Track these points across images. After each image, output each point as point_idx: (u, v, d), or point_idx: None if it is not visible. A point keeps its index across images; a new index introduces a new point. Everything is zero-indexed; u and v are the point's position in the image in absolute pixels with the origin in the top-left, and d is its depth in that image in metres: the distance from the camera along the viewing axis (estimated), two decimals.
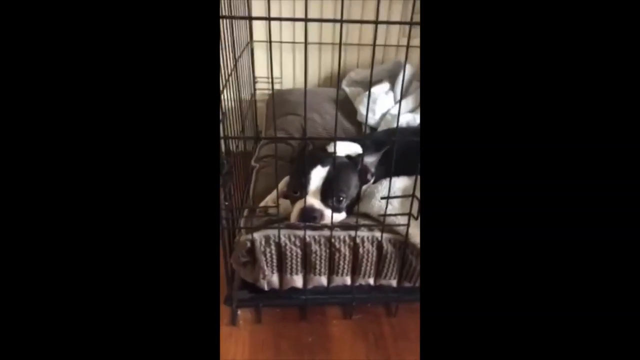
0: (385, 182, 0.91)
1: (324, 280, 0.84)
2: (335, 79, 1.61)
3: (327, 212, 0.82)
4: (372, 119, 1.34)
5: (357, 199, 0.90)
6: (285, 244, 0.78)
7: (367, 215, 0.85)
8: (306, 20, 0.57)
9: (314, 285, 0.84)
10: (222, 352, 0.83)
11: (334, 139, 0.94)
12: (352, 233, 0.79)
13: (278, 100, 1.47)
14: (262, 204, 0.94)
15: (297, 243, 0.79)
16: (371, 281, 0.85)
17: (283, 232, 0.78)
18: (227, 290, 0.89)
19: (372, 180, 0.93)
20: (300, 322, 0.90)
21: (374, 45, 0.68)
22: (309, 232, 0.78)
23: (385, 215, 0.79)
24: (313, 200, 0.82)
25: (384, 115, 1.34)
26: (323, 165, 0.85)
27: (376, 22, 0.61)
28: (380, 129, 1.32)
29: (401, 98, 1.37)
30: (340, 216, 0.85)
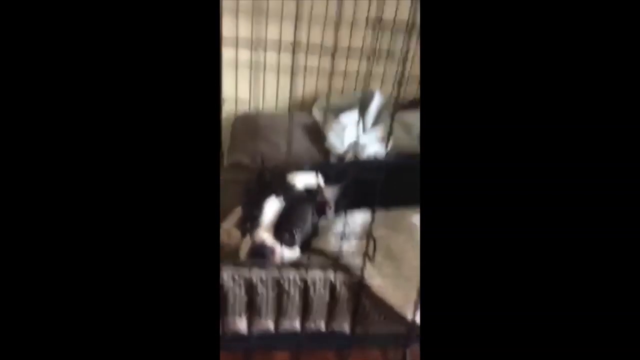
0: (343, 216, 0.86)
1: (270, 325, 0.76)
2: (307, 104, 1.58)
3: (279, 249, 0.76)
4: (341, 148, 1.30)
5: (313, 234, 0.84)
6: (226, 284, 0.71)
7: (320, 252, 0.79)
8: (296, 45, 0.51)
9: (258, 329, 0.77)
10: None
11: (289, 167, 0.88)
12: (303, 273, 0.72)
13: (246, 122, 1.42)
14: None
15: (242, 284, 0.72)
16: (322, 325, 0.78)
17: (227, 270, 0.71)
18: None
19: (331, 215, 0.88)
20: None
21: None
22: (256, 272, 0.71)
23: (340, 255, 0.73)
24: (265, 236, 0.75)
25: (352, 145, 1.31)
26: (277, 195, 0.79)
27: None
28: (347, 158, 1.29)
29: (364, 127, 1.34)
30: (294, 253, 0.79)
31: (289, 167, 1.02)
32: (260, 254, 0.74)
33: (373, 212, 0.76)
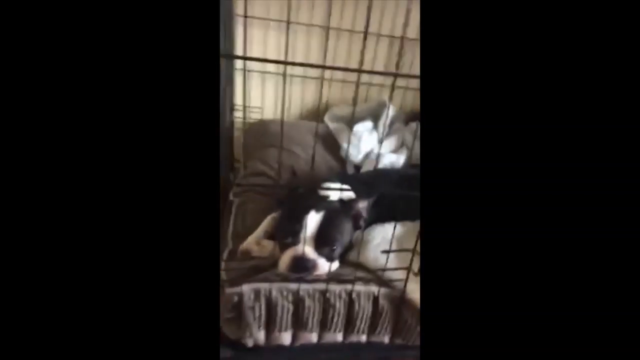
0: (378, 228, 0.88)
1: (314, 337, 0.78)
2: (318, 114, 1.59)
3: (321, 261, 0.77)
4: (357, 157, 1.32)
5: (350, 246, 0.86)
6: (277, 299, 0.72)
7: (360, 266, 0.80)
8: (286, 63, 0.52)
9: (302, 342, 0.78)
10: None
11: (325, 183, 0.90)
12: (348, 287, 0.74)
13: (258, 130, 1.42)
14: (244, 245, 0.88)
15: (290, 298, 0.73)
16: (364, 337, 0.80)
17: (275, 285, 0.72)
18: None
19: (364, 227, 0.90)
20: None
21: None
22: (302, 286, 0.73)
23: (384, 269, 0.75)
24: (307, 250, 0.77)
25: (367, 154, 1.33)
26: (317, 210, 0.80)
27: (359, 71, 0.57)
28: (364, 168, 1.31)
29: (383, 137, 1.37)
30: (334, 265, 0.80)
31: (316, 178, 1.03)
32: (303, 267, 0.75)
33: (408, 219, 0.78)
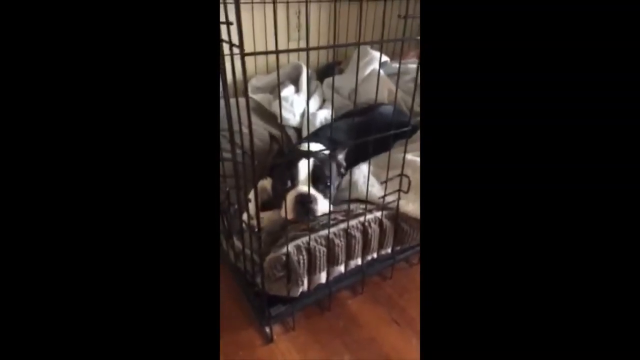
0: (357, 170, 1.06)
1: (342, 268, 0.94)
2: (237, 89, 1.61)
3: (319, 196, 0.92)
4: (294, 120, 1.44)
5: (336, 190, 1.02)
6: (314, 247, 0.85)
7: (359, 200, 0.97)
8: None
9: (334, 276, 0.94)
10: None
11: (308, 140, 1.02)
12: (361, 219, 0.92)
13: None
14: (244, 218, 0.96)
15: (323, 242, 0.87)
16: (375, 255, 1.00)
17: (311, 237, 0.85)
18: (256, 314, 0.90)
19: (344, 174, 1.06)
20: (324, 314, 0.98)
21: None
22: (331, 230, 0.87)
23: (384, 196, 0.94)
24: (306, 188, 0.89)
25: (302, 115, 1.46)
26: (308, 159, 0.92)
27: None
28: (303, 128, 1.44)
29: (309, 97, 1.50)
30: (326, 204, 0.93)
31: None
32: (306, 200, 0.88)
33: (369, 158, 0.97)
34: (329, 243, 0.87)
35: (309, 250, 0.85)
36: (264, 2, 1.59)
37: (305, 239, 0.84)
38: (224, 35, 0.56)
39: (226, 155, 1.08)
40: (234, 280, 1.06)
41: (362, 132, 0.90)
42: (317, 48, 1.53)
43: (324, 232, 0.87)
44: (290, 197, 0.89)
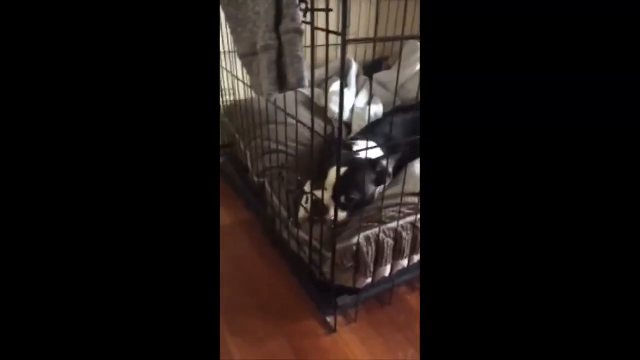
0: (416, 163, 1.04)
1: (405, 262, 0.94)
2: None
3: (333, 208, 0.87)
4: (345, 115, 1.44)
5: (370, 200, 0.95)
6: (383, 239, 0.85)
7: (415, 194, 0.95)
8: None
9: (397, 269, 0.93)
10: (341, 358, 0.85)
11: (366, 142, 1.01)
12: (412, 221, 0.90)
13: (243, 111, 1.42)
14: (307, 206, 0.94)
15: (391, 235, 0.86)
16: (416, 258, 0.98)
17: (381, 228, 0.85)
18: (319, 304, 0.90)
19: (389, 181, 1.02)
20: (384, 307, 0.98)
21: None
22: (400, 223, 0.87)
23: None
24: (325, 195, 0.87)
25: (351, 111, 1.46)
26: (342, 164, 0.86)
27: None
28: (353, 123, 1.43)
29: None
30: (344, 214, 0.90)
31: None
32: (318, 210, 0.88)
33: None
34: (397, 236, 0.87)
35: (377, 242, 0.85)
36: None
37: (374, 231, 0.84)
38: (320, 24, 0.56)
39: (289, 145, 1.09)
40: (289, 271, 1.07)
41: (417, 128, 0.86)
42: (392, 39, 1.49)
43: (393, 225, 0.86)
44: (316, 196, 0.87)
